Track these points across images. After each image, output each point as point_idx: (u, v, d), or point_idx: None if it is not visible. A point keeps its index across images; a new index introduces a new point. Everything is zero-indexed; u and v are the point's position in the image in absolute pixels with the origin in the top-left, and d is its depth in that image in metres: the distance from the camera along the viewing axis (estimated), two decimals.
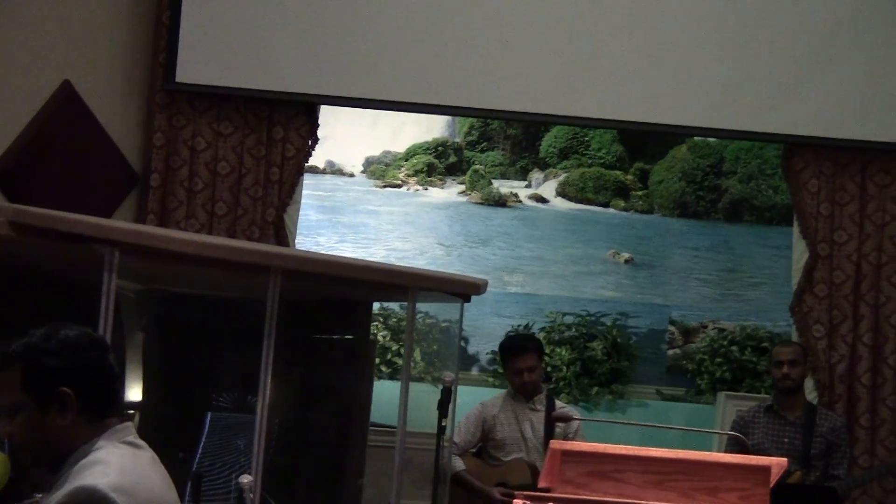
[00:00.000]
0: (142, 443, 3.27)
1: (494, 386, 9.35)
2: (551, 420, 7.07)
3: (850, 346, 8.35)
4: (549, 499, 4.68)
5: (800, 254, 8.54)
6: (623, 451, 4.88)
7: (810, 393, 8.19)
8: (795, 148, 8.57)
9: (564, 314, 9.56)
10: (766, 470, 4.82)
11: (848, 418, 8.21)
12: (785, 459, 4.93)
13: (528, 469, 7.20)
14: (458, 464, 7.37)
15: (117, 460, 3.13)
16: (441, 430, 6.79)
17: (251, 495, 4.54)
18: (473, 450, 7.59)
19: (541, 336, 9.29)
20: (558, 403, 7.61)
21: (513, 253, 9.69)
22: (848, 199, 8.46)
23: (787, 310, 8.58)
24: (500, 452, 7.47)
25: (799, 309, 8.46)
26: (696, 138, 9.65)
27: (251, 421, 6.12)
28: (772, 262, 9.53)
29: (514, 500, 4.85)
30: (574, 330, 9.46)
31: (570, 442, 5.52)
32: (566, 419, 7.08)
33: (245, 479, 4.51)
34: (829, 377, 8.33)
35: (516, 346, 7.59)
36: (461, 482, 7.36)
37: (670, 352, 9.60)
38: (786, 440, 7.52)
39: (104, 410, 3.23)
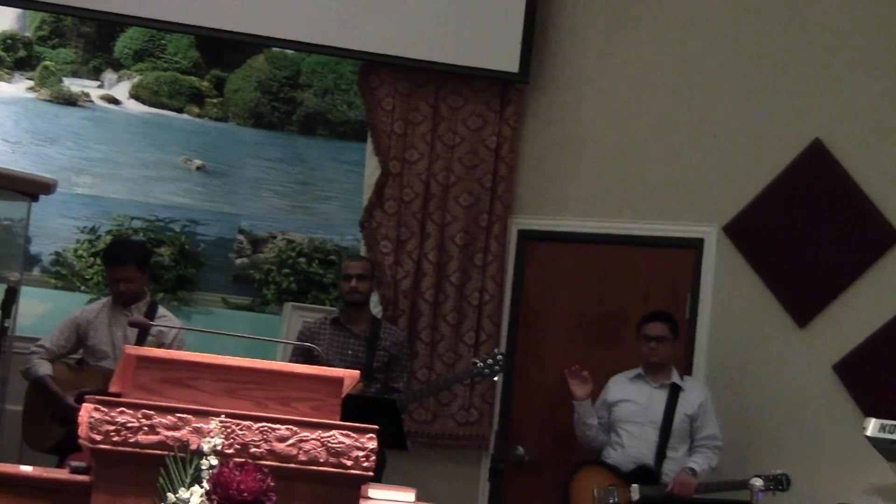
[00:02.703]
0: None
1: (57, 288, 9.14)
2: (130, 325, 6.96)
3: (415, 263, 8.57)
4: (120, 404, 4.58)
5: (372, 170, 8.68)
6: (197, 358, 4.82)
7: (375, 307, 8.36)
8: (372, 66, 8.69)
9: (133, 218, 9.38)
10: (338, 381, 4.88)
11: (410, 333, 8.45)
12: (357, 372, 4.99)
13: (102, 375, 7.05)
14: (44, 368, 7.26)
15: None
16: (3, 330, 6.58)
17: None
18: (77, 356, 7.42)
19: (107, 240, 9.12)
20: (160, 311, 7.51)
21: (81, 154, 9.41)
22: (421, 119, 8.66)
23: (357, 224, 8.72)
24: (92, 359, 7.34)
25: (368, 224, 8.61)
26: (273, 49, 9.61)
27: None
28: (344, 177, 9.63)
29: (84, 405, 4.74)
30: (142, 235, 9.30)
31: (144, 348, 5.42)
32: (141, 325, 6.97)
33: None
34: (394, 292, 8.52)
35: (114, 257, 7.44)
36: (41, 386, 7.22)
37: (238, 261, 9.59)
38: (350, 352, 7.66)
39: None
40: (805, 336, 8.13)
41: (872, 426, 6.51)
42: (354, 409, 5.12)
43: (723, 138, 8.46)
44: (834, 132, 8.15)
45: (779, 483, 7.42)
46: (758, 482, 6.66)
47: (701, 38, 8.59)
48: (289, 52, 9.62)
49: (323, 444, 4.66)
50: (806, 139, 8.19)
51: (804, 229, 8.13)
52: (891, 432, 6.40)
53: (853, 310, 8.01)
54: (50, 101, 9.43)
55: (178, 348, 7.15)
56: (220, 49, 9.69)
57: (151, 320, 7.26)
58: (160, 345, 7.20)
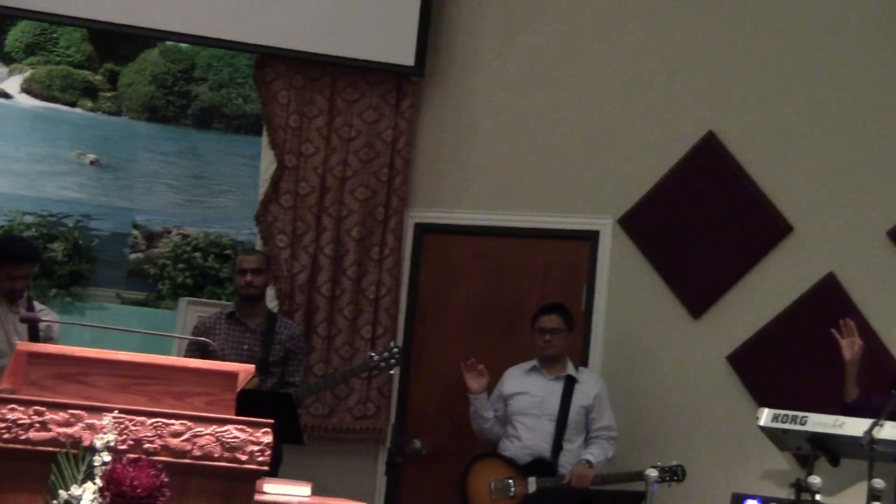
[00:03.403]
0: None
1: None
2: (22, 321, 6.86)
3: (311, 257, 8.55)
4: (11, 401, 4.52)
5: (267, 164, 8.64)
6: (90, 353, 4.76)
7: (271, 301, 8.33)
8: (267, 59, 8.65)
9: (25, 213, 9.28)
10: (233, 376, 4.84)
11: (306, 327, 8.42)
12: (252, 366, 4.97)
13: None
14: None
15: None
16: None
17: None
18: None
19: None
20: (37, 305, 7.39)
21: None
22: (317, 113, 8.63)
23: (253, 218, 8.68)
24: None
25: (264, 218, 8.57)
26: (168, 43, 9.54)
27: None
28: (239, 171, 9.59)
29: None
30: (34, 230, 9.19)
31: (37, 344, 5.35)
32: (33, 320, 6.89)
33: None
34: (290, 286, 8.50)
35: (14, 255, 7.24)
36: None
37: (132, 256, 9.51)
38: (246, 346, 7.63)
39: None
40: (699, 327, 8.21)
41: (765, 416, 6.60)
42: (250, 404, 5.09)
43: (617, 131, 8.51)
44: (727, 125, 8.23)
45: (674, 474, 7.48)
46: (653, 473, 6.73)
47: (595, 33, 8.64)
48: (183, 45, 9.57)
49: (217, 439, 4.63)
50: (699, 132, 8.27)
51: (698, 221, 8.21)
52: (783, 422, 6.50)
53: (747, 301, 8.10)
54: None
55: (58, 341, 7.07)
56: (114, 42, 9.61)
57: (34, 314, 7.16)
58: (48, 339, 7.11)
